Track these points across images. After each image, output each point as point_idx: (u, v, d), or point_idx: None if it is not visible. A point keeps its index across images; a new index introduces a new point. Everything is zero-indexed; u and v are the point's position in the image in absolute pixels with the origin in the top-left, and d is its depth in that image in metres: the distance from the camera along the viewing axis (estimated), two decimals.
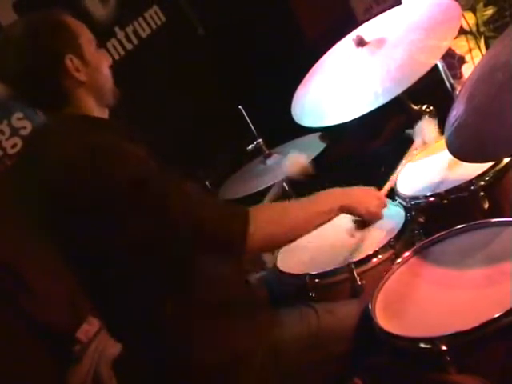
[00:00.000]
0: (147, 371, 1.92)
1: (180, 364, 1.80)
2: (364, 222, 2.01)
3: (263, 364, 1.81)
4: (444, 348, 1.51)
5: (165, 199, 1.65)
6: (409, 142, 2.32)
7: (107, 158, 1.63)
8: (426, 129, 2.30)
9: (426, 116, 2.36)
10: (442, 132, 2.29)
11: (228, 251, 1.75)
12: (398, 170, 2.27)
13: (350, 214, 1.97)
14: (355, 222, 2.02)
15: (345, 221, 2.33)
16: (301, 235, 1.85)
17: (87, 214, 1.65)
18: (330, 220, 1.89)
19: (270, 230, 1.75)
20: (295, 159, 2.48)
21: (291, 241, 1.87)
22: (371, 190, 2.04)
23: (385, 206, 2.03)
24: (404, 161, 2.31)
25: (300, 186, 2.79)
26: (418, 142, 2.32)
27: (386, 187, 2.17)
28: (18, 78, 1.75)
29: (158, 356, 1.81)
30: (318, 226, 1.86)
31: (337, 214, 1.90)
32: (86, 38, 1.80)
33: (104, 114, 1.87)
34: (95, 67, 1.81)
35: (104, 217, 1.64)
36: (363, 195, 1.99)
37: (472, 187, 2.01)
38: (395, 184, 2.29)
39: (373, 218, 2.00)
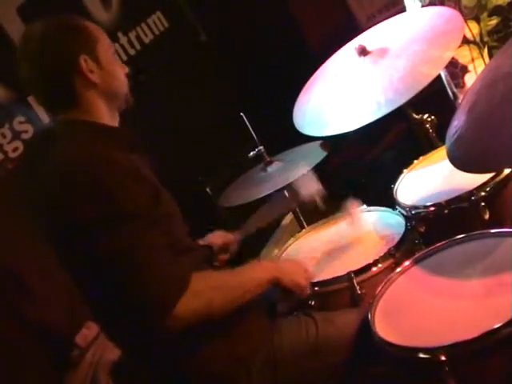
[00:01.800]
0: (145, 377, 1.92)
1: (178, 372, 1.80)
2: (291, 292, 1.95)
3: (261, 372, 1.80)
4: (443, 358, 1.51)
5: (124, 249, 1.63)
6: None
7: (90, 186, 1.63)
8: (307, 184, 2.29)
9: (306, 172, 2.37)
10: (442, 142, 2.30)
11: (149, 315, 1.65)
12: None
13: (280, 285, 1.91)
14: (282, 292, 1.96)
15: (345, 228, 2.35)
16: (229, 309, 1.76)
17: (71, 229, 1.67)
18: (260, 292, 1.84)
19: (206, 298, 1.70)
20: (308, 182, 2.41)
21: (224, 314, 1.76)
22: (299, 263, 2.07)
23: (311, 280, 2.02)
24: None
25: None
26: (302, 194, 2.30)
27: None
28: (33, 74, 1.78)
29: (155, 364, 1.81)
30: (247, 299, 1.80)
31: (267, 286, 1.86)
32: (104, 44, 1.83)
33: (114, 119, 1.88)
34: (109, 71, 1.83)
35: (88, 226, 1.64)
36: (292, 268, 1.98)
37: (472, 198, 2.01)
38: (395, 194, 2.29)
39: (299, 289, 1.95)
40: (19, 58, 1.80)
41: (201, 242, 2.20)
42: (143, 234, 1.65)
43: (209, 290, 1.72)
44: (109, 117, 1.85)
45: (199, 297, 1.67)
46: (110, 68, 1.83)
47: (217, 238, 2.25)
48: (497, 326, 1.47)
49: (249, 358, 1.81)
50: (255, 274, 1.88)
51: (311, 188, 2.26)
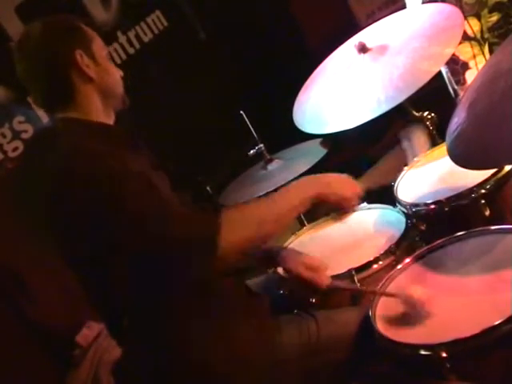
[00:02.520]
0: (146, 375, 1.92)
1: (179, 367, 1.80)
2: (339, 208, 1.98)
3: (262, 371, 1.80)
4: (444, 355, 1.51)
5: (143, 215, 1.66)
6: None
7: (100, 169, 1.67)
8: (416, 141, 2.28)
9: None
10: (442, 139, 2.29)
11: (200, 253, 1.69)
12: None
13: (324, 201, 1.92)
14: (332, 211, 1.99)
15: (346, 226, 2.34)
16: (274, 233, 1.82)
17: (78, 219, 1.68)
18: (304, 210, 1.88)
19: (243, 234, 1.73)
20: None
21: (264, 240, 1.86)
22: (343, 175, 2.00)
23: (358, 191, 1.99)
24: None
25: None
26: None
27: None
28: (31, 72, 1.82)
29: (157, 357, 1.81)
30: (292, 219, 1.87)
31: (311, 203, 1.86)
32: (99, 44, 1.89)
33: (109, 117, 1.91)
34: (105, 68, 1.88)
35: (91, 222, 1.67)
36: (334, 180, 1.95)
37: (473, 195, 2.01)
38: (395, 191, 2.29)
39: (346, 203, 1.96)
40: (17, 58, 1.84)
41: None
42: (153, 194, 1.68)
43: (248, 219, 1.76)
44: (104, 115, 1.87)
45: (236, 225, 1.72)
46: (105, 65, 1.88)
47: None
48: (497, 322, 1.47)
49: (249, 356, 1.81)
50: (295, 194, 1.86)
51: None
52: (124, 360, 2.07)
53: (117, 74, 1.93)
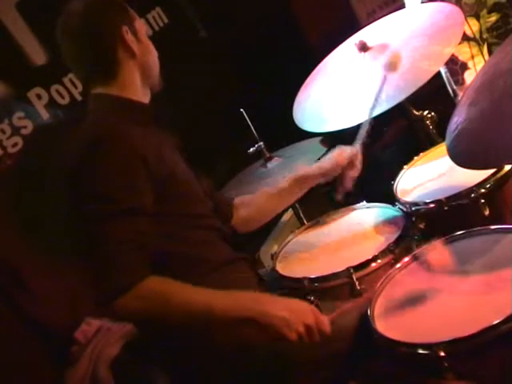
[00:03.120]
0: (145, 372, 1.93)
1: (185, 362, 1.84)
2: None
3: (263, 361, 1.81)
4: (442, 354, 1.51)
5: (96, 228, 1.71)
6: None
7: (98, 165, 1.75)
8: None
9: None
10: (442, 138, 2.30)
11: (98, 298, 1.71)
12: None
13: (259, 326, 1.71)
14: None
15: (345, 224, 2.35)
16: (190, 323, 1.73)
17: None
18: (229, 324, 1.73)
19: (149, 305, 1.68)
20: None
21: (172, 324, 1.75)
22: (300, 306, 1.76)
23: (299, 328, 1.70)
24: None
25: None
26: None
27: None
28: (78, 46, 1.88)
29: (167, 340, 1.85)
30: (216, 323, 1.72)
31: (240, 323, 1.72)
32: (140, 22, 1.98)
33: (146, 96, 1.99)
34: (146, 46, 1.96)
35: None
36: (280, 309, 1.69)
37: (472, 194, 2.01)
38: (395, 190, 2.29)
39: (285, 338, 1.69)
40: (61, 34, 1.90)
41: (325, 162, 2.24)
42: (114, 223, 1.70)
43: (159, 298, 1.68)
44: (142, 92, 1.95)
45: (142, 302, 1.66)
46: (147, 43, 1.97)
47: (341, 158, 2.21)
48: (496, 321, 1.47)
49: (250, 349, 1.82)
50: (229, 308, 1.70)
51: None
52: (122, 356, 2.08)
53: (155, 54, 2.01)
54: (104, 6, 1.90)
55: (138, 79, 1.93)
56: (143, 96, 1.97)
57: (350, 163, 2.21)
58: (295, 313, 1.68)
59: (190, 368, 1.88)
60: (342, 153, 2.22)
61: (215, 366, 1.83)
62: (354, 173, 2.22)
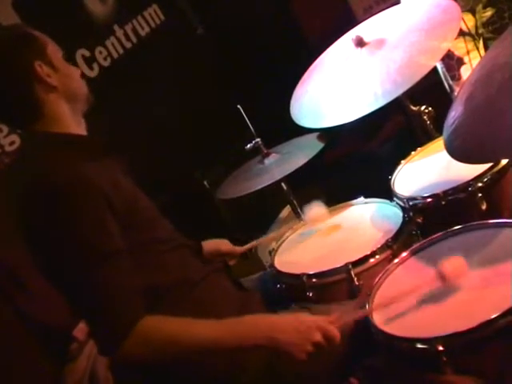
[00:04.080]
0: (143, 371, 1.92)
1: (174, 370, 1.80)
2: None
3: (258, 365, 1.80)
4: (441, 348, 1.51)
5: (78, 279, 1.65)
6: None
7: (61, 209, 1.63)
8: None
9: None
10: (439, 133, 2.30)
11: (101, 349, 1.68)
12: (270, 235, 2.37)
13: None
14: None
15: (343, 220, 2.35)
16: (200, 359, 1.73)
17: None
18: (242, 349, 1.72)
19: (155, 347, 1.64)
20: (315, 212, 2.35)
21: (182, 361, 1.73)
22: (308, 322, 1.71)
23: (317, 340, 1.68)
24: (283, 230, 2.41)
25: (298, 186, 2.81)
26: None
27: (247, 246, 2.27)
28: None
29: None
30: (221, 351, 1.71)
31: (256, 348, 1.70)
32: (53, 48, 1.81)
33: (80, 124, 1.85)
34: (65, 73, 1.81)
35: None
36: (292, 332, 1.68)
37: (470, 189, 2.01)
38: (392, 185, 2.29)
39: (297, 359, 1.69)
40: None
41: (207, 244, 2.22)
42: (96, 271, 1.63)
43: (162, 338, 1.65)
44: (74, 123, 1.82)
45: (144, 345, 1.62)
46: (64, 70, 1.81)
47: (224, 245, 2.30)
48: (494, 316, 1.48)
49: (244, 353, 1.80)
50: (245, 335, 1.69)
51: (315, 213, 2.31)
52: None
53: (77, 75, 1.87)
54: (9, 48, 1.74)
55: (66, 110, 1.79)
56: (77, 127, 1.83)
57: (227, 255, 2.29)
58: (303, 334, 1.67)
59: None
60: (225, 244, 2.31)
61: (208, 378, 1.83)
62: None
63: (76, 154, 1.72)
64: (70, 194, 1.64)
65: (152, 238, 1.82)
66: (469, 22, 3.09)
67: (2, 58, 1.73)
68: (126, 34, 3.58)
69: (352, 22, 2.91)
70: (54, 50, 1.81)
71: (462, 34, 3.05)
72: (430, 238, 1.94)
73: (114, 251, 1.66)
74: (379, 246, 2.05)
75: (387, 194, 2.29)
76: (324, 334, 1.67)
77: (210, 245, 2.24)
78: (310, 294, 2.06)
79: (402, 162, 2.42)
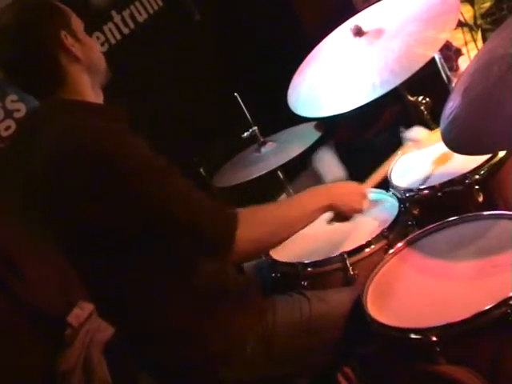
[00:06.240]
0: (137, 357, 1.93)
1: (172, 352, 1.81)
2: (345, 216, 2.00)
3: (255, 351, 1.81)
4: (434, 339, 1.52)
5: (166, 195, 1.66)
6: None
7: (110, 146, 1.63)
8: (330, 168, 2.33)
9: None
10: (436, 125, 2.29)
11: (215, 251, 1.73)
12: (385, 164, 2.25)
13: (334, 211, 1.97)
14: (336, 215, 2.00)
15: None
16: (287, 238, 1.85)
17: (86, 200, 1.65)
18: (314, 220, 1.89)
19: (257, 233, 1.76)
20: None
21: (277, 244, 1.90)
22: (353, 185, 2.04)
23: (366, 200, 2.01)
24: (395, 156, 2.31)
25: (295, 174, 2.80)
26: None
27: (372, 180, 2.15)
28: (17, 58, 1.77)
29: (149, 343, 1.82)
30: (303, 227, 1.87)
31: (321, 213, 1.91)
32: (77, 21, 1.85)
33: (99, 96, 1.88)
34: (88, 46, 1.85)
35: (104, 203, 1.64)
36: (345, 192, 1.98)
37: (467, 180, 2.01)
38: (390, 175, 2.29)
39: (355, 213, 2.00)
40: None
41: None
42: (177, 179, 1.69)
43: (262, 221, 1.79)
44: (93, 94, 1.85)
45: (255, 228, 1.75)
46: (87, 42, 1.85)
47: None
48: (488, 307, 1.48)
49: (242, 336, 1.81)
50: (309, 203, 1.89)
51: (335, 173, 2.29)
52: (115, 340, 2.08)
53: (98, 48, 1.93)
54: (38, 15, 1.77)
55: (87, 81, 1.83)
56: (95, 97, 1.86)
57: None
58: (355, 189, 2.00)
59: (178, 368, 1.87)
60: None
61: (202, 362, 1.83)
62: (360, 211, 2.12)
63: (102, 118, 1.74)
64: (114, 133, 1.67)
65: None
66: (467, 12, 3.09)
67: (31, 24, 1.76)
68: (123, 20, 3.55)
69: (351, 11, 2.90)
70: (78, 23, 1.85)
71: (460, 24, 3.05)
72: (425, 229, 1.94)
73: (176, 169, 1.72)
74: (374, 235, 2.06)
75: (384, 184, 2.29)
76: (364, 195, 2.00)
77: None
78: (305, 283, 2.06)
79: (399, 152, 2.42)
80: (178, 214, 1.66)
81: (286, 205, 2.00)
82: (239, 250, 1.70)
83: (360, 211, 1.99)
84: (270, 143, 2.85)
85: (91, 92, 1.84)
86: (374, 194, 2.34)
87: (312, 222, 1.88)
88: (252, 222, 1.75)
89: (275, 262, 2.20)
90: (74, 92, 1.79)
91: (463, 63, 3.21)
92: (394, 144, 2.45)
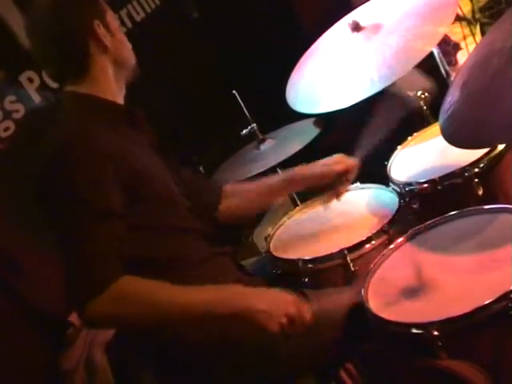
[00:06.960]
0: (140, 354, 1.93)
1: (167, 343, 1.81)
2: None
3: (254, 348, 1.81)
4: (435, 333, 1.52)
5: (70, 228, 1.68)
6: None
7: (64, 165, 1.70)
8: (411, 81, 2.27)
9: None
10: (435, 119, 2.29)
11: (71, 298, 1.68)
12: None
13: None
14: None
15: (339, 206, 2.34)
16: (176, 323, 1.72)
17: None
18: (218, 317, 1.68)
19: (119, 312, 1.63)
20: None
21: (158, 326, 1.73)
22: (280, 296, 1.72)
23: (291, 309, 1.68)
24: None
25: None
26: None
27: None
28: (47, 41, 1.83)
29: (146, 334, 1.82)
30: (199, 317, 1.68)
31: (226, 317, 1.68)
32: (111, 15, 1.93)
33: (121, 89, 1.94)
34: (119, 39, 1.92)
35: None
36: (267, 298, 1.70)
37: (466, 174, 2.01)
38: (389, 170, 2.29)
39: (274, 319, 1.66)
40: (30, 29, 1.86)
41: (320, 166, 2.18)
42: (89, 226, 1.65)
43: (133, 299, 1.64)
44: (115, 89, 1.90)
45: (115, 304, 1.61)
46: (119, 36, 1.92)
47: (338, 163, 2.17)
48: (488, 301, 1.48)
49: (242, 336, 1.81)
50: (209, 301, 1.67)
51: (417, 85, 2.21)
52: (117, 339, 2.08)
53: (129, 44, 1.97)
54: (75, 0, 1.86)
55: (111, 74, 1.88)
56: (117, 92, 1.91)
57: (344, 173, 2.16)
58: (277, 305, 1.67)
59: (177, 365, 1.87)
60: (341, 160, 2.17)
61: (202, 363, 1.83)
62: (344, 184, 2.17)
63: (101, 117, 1.81)
64: (71, 154, 1.71)
65: (161, 215, 1.86)
66: (466, 6, 3.09)
67: (65, 9, 1.83)
68: (120, 19, 3.55)
69: (348, 6, 2.89)
70: (112, 17, 1.93)
71: (458, 18, 3.05)
72: (425, 224, 1.94)
73: (108, 212, 1.68)
74: (375, 231, 2.05)
75: (383, 179, 2.29)
76: (298, 308, 1.68)
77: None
78: (306, 280, 2.06)
79: (399, 147, 2.42)
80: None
81: (194, 292, 1.68)
82: (100, 313, 1.61)
83: (274, 331, 1.65)
84: (269, 140, 2.85)
85: (114, 85, 1.90)
86: (373, 189, 2.34)
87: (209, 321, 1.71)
88: (115, 297, 1.61)
89: (276, 258, 2.19)
90: (95, 83, 1.86)
91: (462, 57, 3.21)
92: (393, 139, 2.45)
